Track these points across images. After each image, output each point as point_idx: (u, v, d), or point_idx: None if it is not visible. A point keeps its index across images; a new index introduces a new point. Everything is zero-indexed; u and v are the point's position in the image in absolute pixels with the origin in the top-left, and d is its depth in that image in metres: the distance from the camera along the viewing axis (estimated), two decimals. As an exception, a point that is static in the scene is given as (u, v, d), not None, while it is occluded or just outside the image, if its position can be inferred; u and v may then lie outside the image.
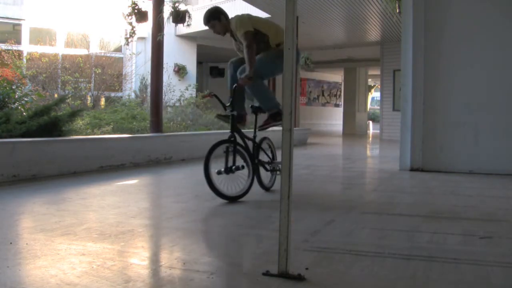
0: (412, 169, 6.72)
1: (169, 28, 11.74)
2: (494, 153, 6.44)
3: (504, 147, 6.42)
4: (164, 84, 9.15)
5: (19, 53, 12.12)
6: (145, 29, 12.11)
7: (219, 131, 9.39)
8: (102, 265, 2.37)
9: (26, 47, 13.82)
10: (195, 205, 4.15)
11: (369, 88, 27.89)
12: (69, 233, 2.99)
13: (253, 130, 4.64)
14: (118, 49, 15.00)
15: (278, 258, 2.23)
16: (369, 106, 27.40)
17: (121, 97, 12.53)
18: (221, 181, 4.21)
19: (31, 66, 11.40)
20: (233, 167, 4.24)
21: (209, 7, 4.70)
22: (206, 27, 4.63)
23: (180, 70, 15.45)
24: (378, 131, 17.44)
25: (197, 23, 7.48)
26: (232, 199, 4.16)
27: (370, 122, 24.16)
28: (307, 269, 2.32)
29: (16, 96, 7.22)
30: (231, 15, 4.59)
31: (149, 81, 9.32)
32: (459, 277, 2.30)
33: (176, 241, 2.99)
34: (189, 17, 8.22)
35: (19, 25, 14.30)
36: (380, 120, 17.08)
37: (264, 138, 4.80)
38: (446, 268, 2.42)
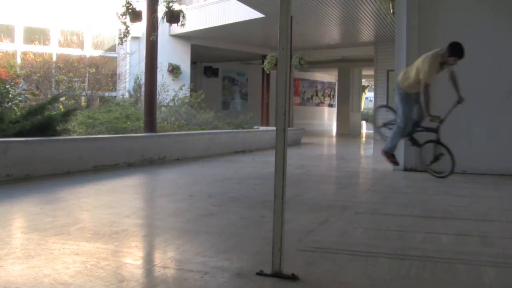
0: (405, 169, 6.74)
1: (163, 27, 11.70)
2: (487, 153, 6.47)
3: (497, 147, 6.44)
4: (158, 83, 9.12)
5: (13, 53, 12.06)
6: (139, 28, 12.07)
7: (213, 130, 9.38)
8: (96, 264, 2.36)
9: (20, 46, 13.75)
10: (188, 205, 4.15)
11: (363, 88, 27.95)
12: (62, 232, 2.98)
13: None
14: (112, 49, 14.95)
15: (272, 258, 2.24)
16: (363, 106, 27.45)
17: (115, 96, 12.49)
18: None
19: (25, 65, 11.34)
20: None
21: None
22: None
23: (174, 70, 15.41)
24: (372, 131, 17.47)
25: (191, 23, 7.44)
26: None
27: (364, 122, 24.21)
28: (301, 268, 2.33)
29: (10, 96, 7.18)
30: (224, 15, 4.55)
31: (143, 80, 9.30)
32: (453, 276, 2.32)
33: (170, 240, 2.99)
34: (183, 17, 8.21)
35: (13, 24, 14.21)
36: (374, 121, 17.08)
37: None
38: (439, 267, 2.43)
